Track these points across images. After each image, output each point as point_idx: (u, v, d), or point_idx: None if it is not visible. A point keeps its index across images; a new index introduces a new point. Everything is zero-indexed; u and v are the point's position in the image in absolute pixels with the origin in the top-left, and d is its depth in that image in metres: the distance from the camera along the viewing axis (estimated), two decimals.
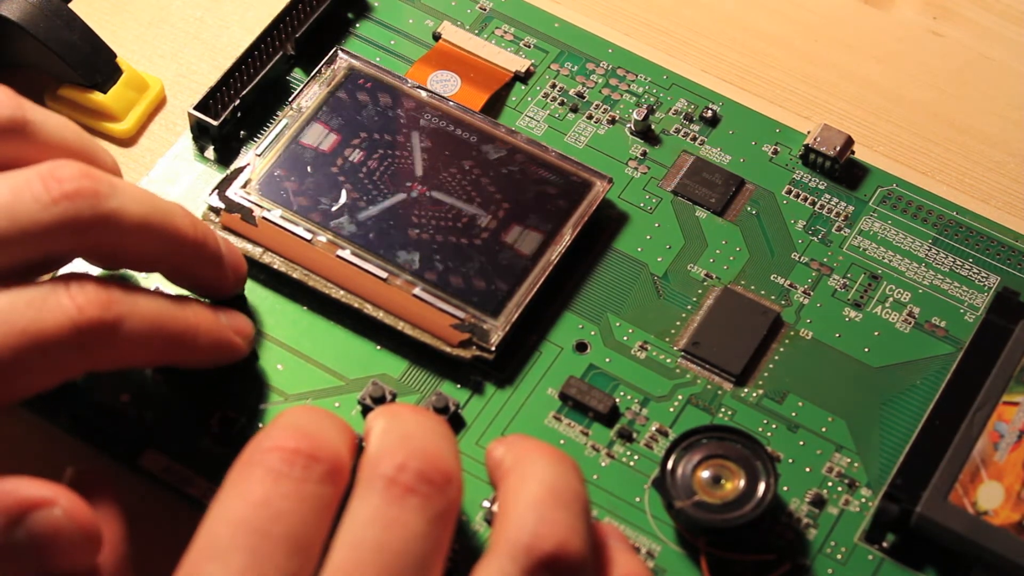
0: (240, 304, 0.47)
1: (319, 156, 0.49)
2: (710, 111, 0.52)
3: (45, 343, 0.39)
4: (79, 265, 0.47)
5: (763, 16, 0.56)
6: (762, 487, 0.43)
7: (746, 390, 0.47)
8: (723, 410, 0.46)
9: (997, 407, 0.45)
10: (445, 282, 0.47)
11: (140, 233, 0.42)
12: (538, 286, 0.47)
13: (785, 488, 0.45)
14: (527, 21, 0.54)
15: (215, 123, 0.50)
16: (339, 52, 0.52)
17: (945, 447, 0.44)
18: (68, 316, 0.40)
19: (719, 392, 0.47)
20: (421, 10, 0.54)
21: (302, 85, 0.51)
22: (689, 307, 0.48)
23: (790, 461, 0.46)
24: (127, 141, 0.52)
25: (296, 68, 0.53)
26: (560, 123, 0.52)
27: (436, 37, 0.53)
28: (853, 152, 0.51)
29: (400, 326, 0.47)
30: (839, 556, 0.44)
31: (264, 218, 0.48)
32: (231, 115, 0.50)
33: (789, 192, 0.51)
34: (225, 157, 0.51)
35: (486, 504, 0.44)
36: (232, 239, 0.48)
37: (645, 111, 0.51)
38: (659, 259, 0.49)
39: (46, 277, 0.42)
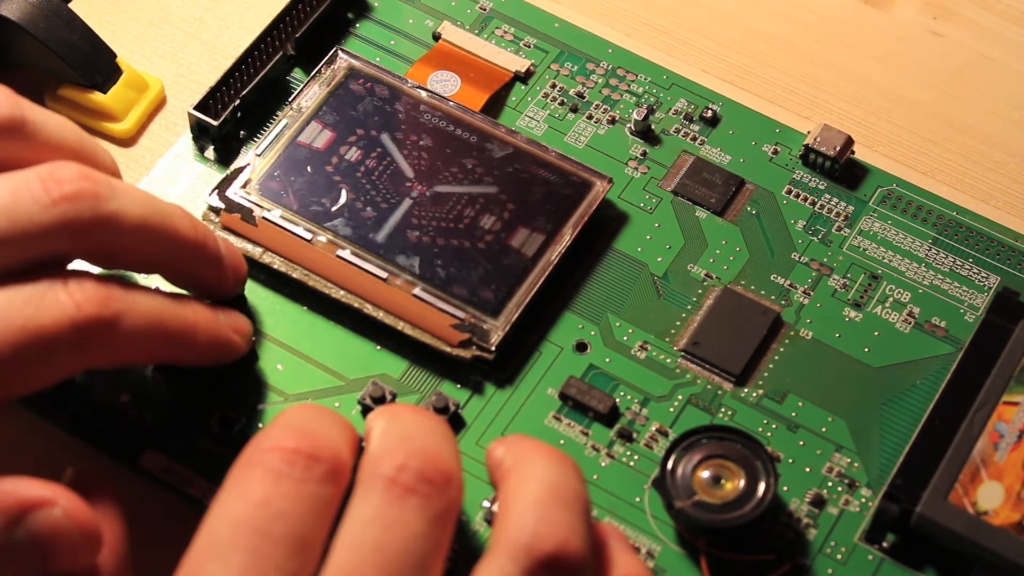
0: (240, 304, 0.47)
1: (319, 156, 0.49)
2: (710, 111, 0.52)
3: (44, 340, 0.39)
4: (78, 263, 0.47)
5: (763, 16, 0.56)
6: (762, 487, 0.43)
7: (746, 390, 0.47)
8: (723, 410, 0.46)
9: (997, 407, 0.45)
10: (445, 282, 0.47)
11: (140, 235, 0.42)
12: (538, 286, 0.47)
13: (785, 488, 0.45)
14: (527, 21, 0.54)
15: (215, 123, 0.50)
16: (339, 52, 0.52)
17: (945, 447, 0.44)
18: (66, 313, 0.40)
19: (719, 392, 0.47)
20: (421, 10, 0.54)
21: (302, 85, 0.51)
22: (689, 307, 0.48)
23: (790, 461, 0.46)
24: (127, 141, 0.52)
25: (296, 68, 0.53)
26: (560, 123, 0.52)
27: (436, 37, 0.53)
28: (853, 152, 0.51)
29: (400, 326, 0.47)
30: (839, 556, 0.44)
31: (264, 218, 0.48)
32: (231, 115, 0.50)
33: (789, 192, 0.51)
34: (225, 157, 0.51)
35: (486, 504, 0.44)
36: (232, 239, 0.48)
37: (645, 111, 0.51)
38: (659, 259, 0.49)
39: None
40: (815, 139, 0.51)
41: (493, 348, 0.46)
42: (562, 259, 0.48)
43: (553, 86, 0.53)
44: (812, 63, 0.55)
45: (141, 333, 0.41)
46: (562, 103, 0.52)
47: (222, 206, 0.48)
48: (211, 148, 0.51)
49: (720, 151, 0.51)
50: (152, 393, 0.46)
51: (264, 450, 0.38)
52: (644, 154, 0.51)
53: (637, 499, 0.45)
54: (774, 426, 0.46)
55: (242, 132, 0.51)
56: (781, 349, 0.48)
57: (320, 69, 0.51)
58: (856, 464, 0.46)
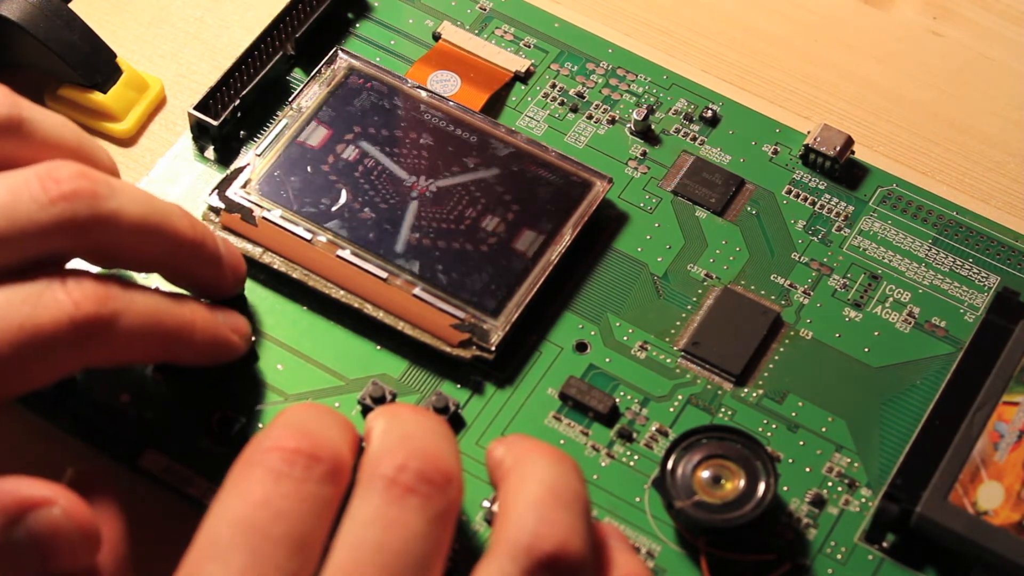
0: (240, 304, 0.47)
1: (319, 156, 0.49)
2: (710, 111, 0.52)
3: (42, 339, 0.39)
4: (76, 262, 0.47)
5: (763, 16, 0.56)
6: (762, 487, 0.43)
7: (746, 390, 0.47)
8: (723, 410, 0.46)
9: (997, 407, 0.45)
10: (445, 282, 0.47)
11: (138, 234, 0.42)
12: (538, 286, 0.47)
13: (785, 488, 0.45)
14: (527, 21, 0.54)
15: (215, 123, 0.50)
16: (339, 52, 0.52)
17: (945, 447, 0.44)
18: (65, 312, 0.40)
19: (719, 392, 0.47)
20: (421, 10, 0.54)
21: (302, 85, 0.51)
22: (689, 307, 0.48)
23: (790, 461, 0.46)
24: (127, 141, 0.52)
25: (296, 68, 0.53)
26: (560, 123, 0.52)
27: (436, 37, 0.53)
28: (853, 152, 0.51)
29: (400, 326, 0.47)
30: (839, 556, 0.44)
31: (264, 218, 0.48)
32: (231, 115, 0.50)
33: (789, 192, 0.51)
34: (225, 157, 0.51)
35: (486, 504, 0.44)
36: (232, 239, 0.48)
37: (645, 111, 0.51)
38: (659, 259, 0.49)
39: None
40: (815, 139, 0.51)
41: (493, 348, 0.46)
42: (562, 259, 0.48)
43: (553, 86, 0.53)
44: (812, 63, 0.55)
45: (139, 332, 0.41)
46: (562, 103, 0.52)
47: (222, 206, 0.48)
48: (211, 148, 0.51)
49: (720, 151, 0.51)
50: (152, 393, 0.46)
51: (264, 450, 0.38)
52: (644, 154, 0.51)
53: (637, 499, 0.45)
54: (774, 426, 0.46)
55: (242, 132, 0.51)
56: (781, 349, 0.48)
57: (320, 69, 0.51)
58: (856, 464, 0.46)
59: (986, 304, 0.48)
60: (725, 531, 0.43)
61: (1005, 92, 0.54)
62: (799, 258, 0.49)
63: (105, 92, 0.51)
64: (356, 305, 0.47)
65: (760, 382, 0.47)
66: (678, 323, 0.48)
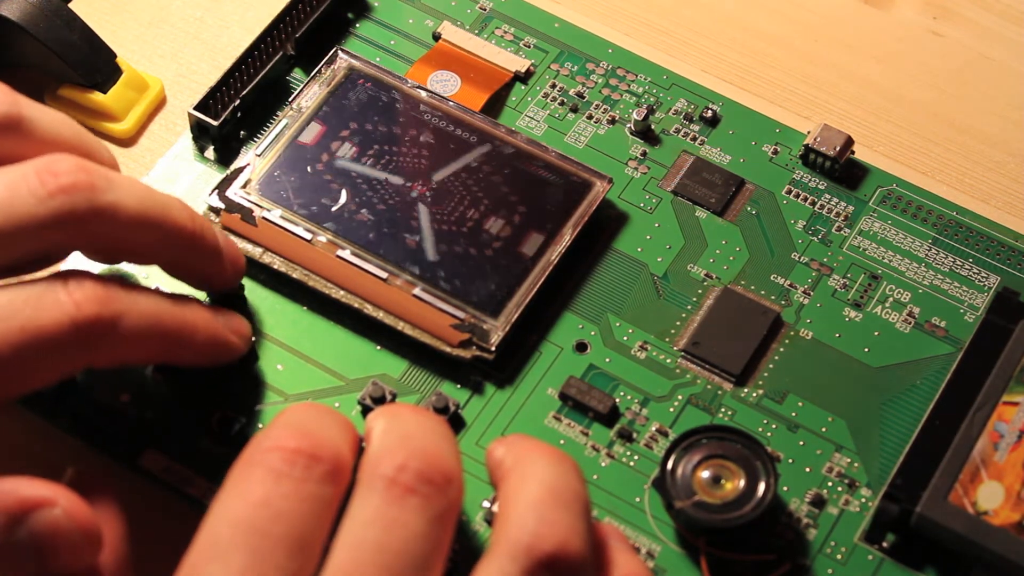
0: (240, 304, 0.47)
1: (319, 156, 0.49)
2: (710, 111, 0.52)
3: (44, 340, 0.39)
4: (77, 262, 0.47)
5: (763, 16, 0.56)
6: (762, 487, 0.43)
7: (746, 390, 0.47)
8: (723, 410, 0.46)
9: (997, 407, 0.45)
10: (445, 282, 0.47)
11: (137, 226, 0.42)
12: (538, 286, 0.47)
13: (785, 488, 0.45)
14: (527, 21, 0.54)
15: (215, 123, 0.50)
16: (339, 52, 0.52)
17: (945, 447, 0.44)
18: (66, 313, 0.40)
19: (719, 392, 0.47)
20: (421, 10, 0.54)
21: (302, 85, 0.51)
22: (689, 307, 0.48)
23: (790, 461, 0.46)
24: (127, 141, 0.52)
25: (296, 68, 0.53)
26: (560, 123, 0.52)
27: (436, 37, 0.53)
28: (853, 152, 0.51)
29: (400, 326, 0.47)
30: (839, 556, 0.44)
31: (264, 218, 0.48)
32: (231, 115, 0.50)
33: (789, 192, 0.51)
34: (225, 157, 0.51)
35: (486, 504, 0.44)
36: (232, 239, 0.48)
37: (645, 111, 0.51)
38: (659, 259, 0.49)
39: (44, 272, 0.42)
40: (815, 139, 0.51)
41: (493, 348, 0.46)
42: (562, 259, 0.48)
43: (553, 86, 0.53)
44: (812, 63, 0.55)
45: (140, 333, 0.41)
46: (562, 103, 0.52)
47: (222, 206, 0.48)
48: (211, 148, 0.51)
49: (720, 151, 0.51)
50: (152, 393, 0.46)
51: (264, 450, 0.38)
52: (644, 154, 0.51)
53: (637, 499, 0.45)
54: (774, 426, 0.46)
55: (242, 132, 0.51)
56: (781, 349, 0.48)
57: (320, 69, 0.51)
58: (856, 464, 0.46)
59: (986, 304, 0.48)
60: (725, 531, 0.43)
61: (1005, 92, 0.54)
62: (799, 258, 0.49)
63: (105, 92, 0.51)
64: (356, 305, 0.47)
65: (760, 382, 0.47)
66: (678, 323, 0.48)
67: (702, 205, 0.50)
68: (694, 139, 0.52)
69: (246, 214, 0.48)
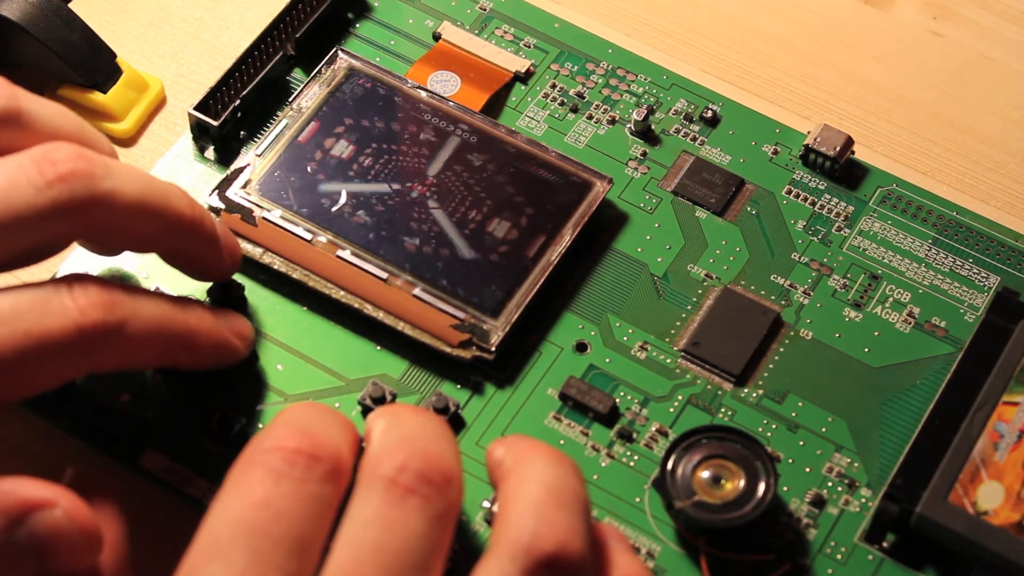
0: (240, 304, 0.47)
1: (319, 156, 0.49)
2: (710, 111, 0.52)
3: (48, 345, 0.39)
4: (80, 265, 0.47)
5: (763, 16, 0.56)
6: (762, 487, 0.43)
7: (746, 390, 0.47)
8: (723, 410, 0.46)
9: (997, 407, 0.45)
10: (445, 282, 0.47)
11: (137, 213, 0.42)
12: (538, 286, 0.47)
13: (785, 488, 0.45)
14: (527, 21, 0.54)
15: (215, 123, 0.50)
16: (339, 52, 0.52)
17: (945, 447, 0.44)
18: (71, 318, 0.40)
19: (719, 392, 0.47)
20: (421, 10, 0.54)
21: (302, 85, 0.51)
22: (689, 307, 0.48)
23: (790, 461, 0.46)
24: (127, 141, 0.52)
25: (296, 68, 0.53)
26: (560, 123, 0.52)
27: (436, 37, 0.53)
28: (853, 152, 0.51)
29: (400, 326, 0.47)
30: (839, 556, 0.44)
31: (264, 218, 0.48)
32: (231, 115, 0.50)
33: (789, 192, 0.51)
34: (225, 157, 0.51)
35: (486, 504, 0.44)
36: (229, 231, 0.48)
37: (645, 111, 0.51)
38: (659, 259, 0.49)
39: (42, 267, 0.42)
40: (815, 139, 0.51)
41: (493, 348, 0.46)
42: (562, 259, 0.48)
43: (553, 86, 0.53)
44: (812, 63, 0.55)
45: (145, 338, 0.41)
46: (562, 103, 0.52)
47: (222, 206, 0.48)
48: (211, 148, 0.51)
49: (720, 151, 0.51)
50: (152, 393, 0.46)
51: (265, 450, 0.38)
52: (644, 154, 0.51)
53: (637, 499, 0.45)
54: (774, 426, 0.46)
55: (242, 132, 0.51)
56: (781, 349, 0.48)
57: (320, 69, 0.51)
58: (856, 464, 0.46)
59: (986, 304, 0.48)
60: (725, 531, 0.43)
61: (1005, 92, 0.54)
62: (799, 258, 0.49)
63: (105, 92, 0.51)
64: (356, 305, 0.47)
65: (760, 382, 0.47)
66: (678, 323, 0.48)
67: (702, 205, 0.50)
68: (694, 139, 0.52)
69: (246, 214, 0.48)
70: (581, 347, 0.47)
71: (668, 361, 0.47)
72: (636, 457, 0.46)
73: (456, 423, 0.46)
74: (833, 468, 0.45)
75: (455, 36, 0.53)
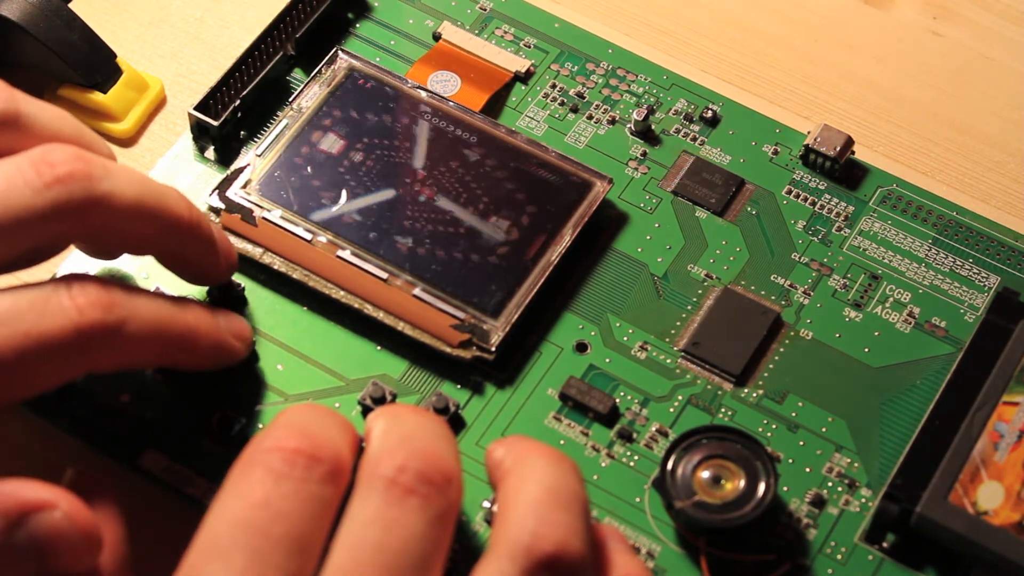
0: (240, 305, 0.47)
1: (319, 156, 0.49)
2: (710, 111, 0.52)
3: (47, 345, 0.39)
4: (79, 266, 0.47)
5: (763, 16, 0.56)
6: (762, 487, 0.43)
7: (746, 390, 0.47)
8: (723, 410, 0.46)
9: (997, 407, 0.45)
10: (445, 282, 0.47)
11: (135, 215, 0.42)
12: (538, 286, 0.47)
13: (785, 488, 0.45)
14: (527, 21, 0.54)
15: (215, 123, 0.50)
16: (339, 52, 0.52)
17: (945, 447, 0.44)
18: (70, 319, 0.40)
19: (719, 392, 0.47)
20: (421, 10, 0.54)
21: (302, 85, 0.51)
22: (689, 307, 0.48)
23: (790, 461, 0.46)
24: (127, 141, 0.52)
25: (296, 68, 0.53)
26: (560, 123, 0.52)
27: (436, 37, 0.53)
28: (853, 152, 0.51)
29: (400, 326, 0.47)
30: (839, 556, 0.44)
31: (264, 218, 0.48)
32: (231, 115, 0.50)
33: (789, 192, 0.51)
34: (225, 157, 0.51)
35: (486, 504, 0.44)
36: (232, 239, 0.48)
37: (645, 111, 0.51)
38: (659, 259, 0.49)
39: (41, 268, 0.42)
40: (815, 139, 0.51)
41: (493, 348, 0.46)
42: (562, 259, 0.48)
43: (553, 86, 0.53)
44: (812, 63, 0.55)
45: (143, 338, 0.41)
46: (562, 103, 0.52)
47: (222, 206, 0.48)
48: (211, 148, 0.51)
49: (720, 151, 0.51)
50: (152, 393, 0.46)
51: (264, 450, 0.38)
52: (644, 154, 0.51)
53: (637, 499, 0.45)
54: (774, 426, 0.46)
55: (242, 132, 0.51)
56: (781, 349, 0.48)
57: (320, 69, 0.51)
58: (856, 464, 0.46)
59: (986, 304, 0.48)
60: (725, 531, 0.43)
61: (1005, 92, 0.54)
62: (799, 258, 0.49)
63: (105, 92, 0.51)
64: (356, 305, 0.47)
65: (760, 382, 0.47)
66: (678, 323, 0.48)
67: (702, 205, 0.50)
68: (694, 139, 0.52)
69: (246, 214, 0.48)
70: (581, 347, 0.47)
71: (668, 361, 0.47)
72: (636, 457, 0.46)
73: (456, 423, 0.46)
74: (833, 468, 0.45)
75: (455, 36, 0.53)
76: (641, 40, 0.55)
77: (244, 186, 0.49)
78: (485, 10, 0.54)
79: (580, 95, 0.52)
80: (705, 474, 0.44)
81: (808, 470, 0.45)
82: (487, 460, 0.41)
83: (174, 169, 0.51)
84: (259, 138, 0.50)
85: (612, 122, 0.52)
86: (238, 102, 0.50)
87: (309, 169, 0.49)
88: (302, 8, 0.52)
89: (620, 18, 0.55)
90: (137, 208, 0.42)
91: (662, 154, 0.51)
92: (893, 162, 0.52)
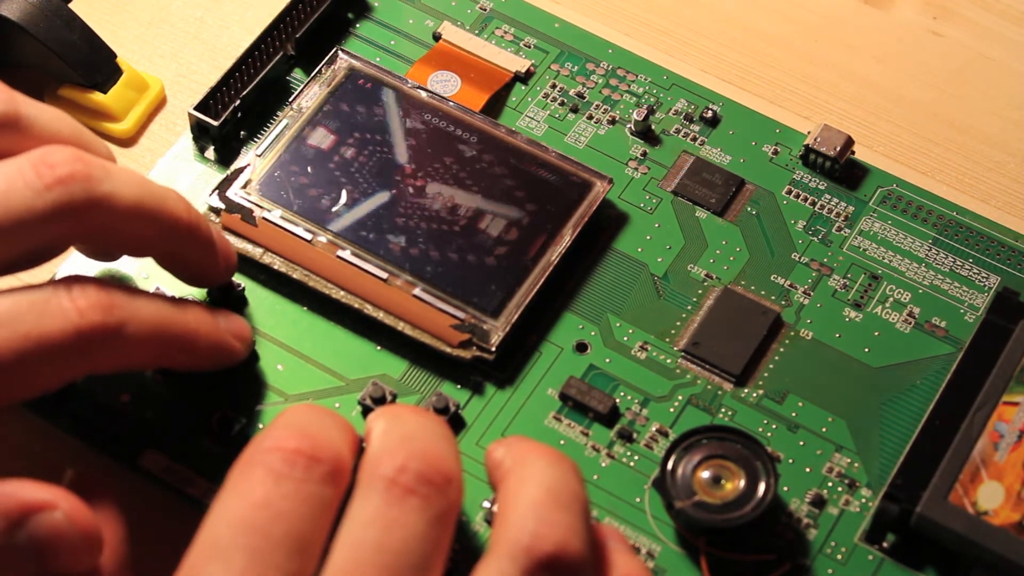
0: (240, 305, 0.47)
1: (319, 156, 0.49)
2: (710, 111, 0.52)
3: (48, 347, 0.39)
4: (79, 268, 0.47)
5: (763, 16, 0.56)
6: (762, 487, 0.43)
7: (746, 390, 0.47)
8: (723, 410, 0.46)
9: (997, 407, 0.45)
10: (445, 282, 0.47)
11: (135, 216, 0.42)
12: (538, 286, 0.47)
13: (785, 488, 0.45)
14: (527, 21, 0.54)
15: (215, 123, 0.50)
16: (339, 52, 0.52)
17: (945, 447, 0.44)
18: (70, 320, 0.40)
19: (719, 392, 0.47)
20: (421, 10, 0.54)
21: (302, 85, 0.51)
22: (689, 307, 0.48)
23: (790, 461, 0.46)
24: (127, 141, 0.52)
25: (296, 68, 0.53)
26: (560, 123, 0.52)
27: (436, 37, 0.53)
28: (853, 152, 0.51)
29: (400, 326, 0.47)
30: (839, 556, 0.44)
31: (264, 218, 0.48)
32: (231, 115, 0.50)
33: (789, 192, 0.51)
34: (225, 157, 0.51)
35: (486, 504, 0.44)
36: (232, 239, 0.48)
37: (645, 111, 0.51)
38: (659, 259, 0.49)
39: (41, 269, 0.42)
40: (815, 139, 0.51)
41: (493, 348, 0.46)
42: (562, 259, 0.48)
43: (553, 86, 0.53)
44: (812, 63, 0.55)
45: (144, 340, 0.41)
46: (562, 103, 0.52)
47: (222, 206, 0.48)
48: (211, 148, 0.51)
49: (720, 151, 0.51)
50: (152, 393, 0.46)
51: (265, 450, 0.38)
52: (644, 154, 0.51)
53: (637, 499, 0.45)
54: (774, 426, 0.46)
55: (242, 132, 0.51)
56: (781, 349, 0.48)
57: (320, 69, 0.51)
58: (856, 464, 0.46)
59: (986, 304, 0.48)
60: (725, 531, 0.43)
61: (1005, 92, 0.54)
62: (799, 258, 0.49)
63: (105, 92, 0.51)
64: (356, 305, 0.47)
65: (760, 382, 0.47)
66: (678, 323, 0.48)
67: (702, 205, 0.50)
68: (694, 139, 0.52)
69: (246, 214, 0.48)
70: (581, 347, 0.48)
71: (668, 361, 0.47)
72: (636, 457, 0.46)
73: (456, 423, 0.46)
74: (833, 468, 0.46)
75: (455, 36, 0.53)
76: (641, 40, 0.55)
77: (244, 186, 0.49)
78: (485, 10, 0.54)
79: (580, 95, 0.52)
80: (705, 474, 0.44)
81: (808, 470, 0.45)
82: (487, 460, 0.41)
83: (174, 169, 0.51)
84: (259, 138, 0.50)
85: (612, 122, 0.52)
86: (238, 102, 0.50)
87: (309, 169, 0.49)
88: (302, 8, 0.52)
89: (620, 18, 0.55)
90: (137, 209, 0.42)
91: (662, 154, 0.51)
92: (893, 162, 0.52)
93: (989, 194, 0.52)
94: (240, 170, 0.49)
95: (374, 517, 0.37)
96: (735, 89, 0.54)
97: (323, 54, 0.52)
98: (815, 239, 0.50)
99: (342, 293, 0.47)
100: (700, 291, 0.49)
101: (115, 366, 0.41)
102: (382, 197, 0.49)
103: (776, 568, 0.44)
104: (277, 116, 0.51)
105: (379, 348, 0.47)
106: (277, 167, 0.49)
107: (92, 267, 0.48)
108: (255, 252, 0.48)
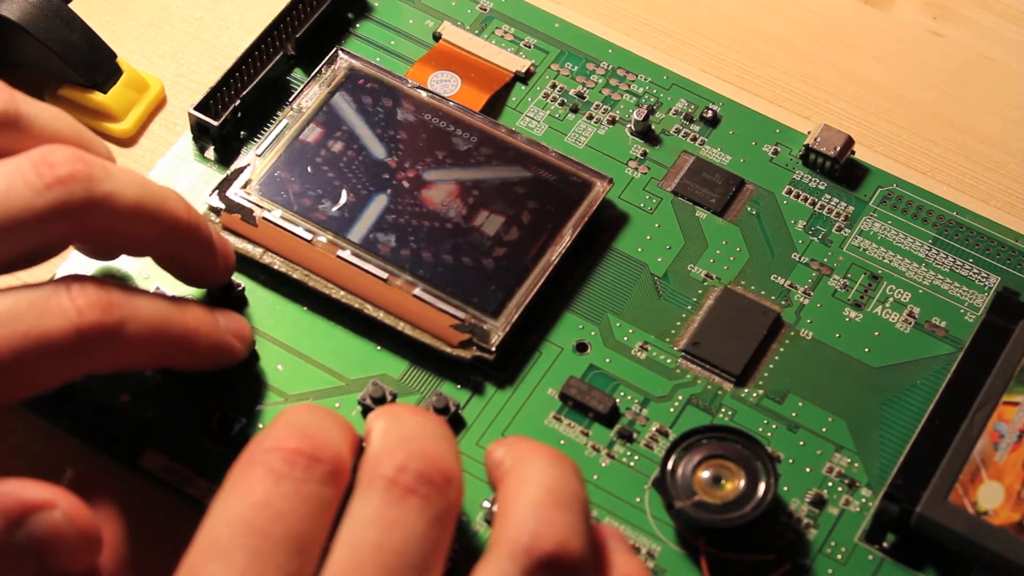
0: (240, 305, 0.47)
1: (319, 156, 0.49)
2: (710, 111, 0.52)
3: (47, 346, 0.39)
4: (79, 267, 0.47)
5: (763, 16, 0.56)
6: (762, 487, 0.43)
7: (746, 390, 0.47)
8: (723, 410, 0.46)
9: (997, 407, 0.45)
10: (445, 282, 0.47)
11: (134, 216, 0.42)
12: (538, 286, 0.47)
13: (785, 488, 0.45)
14: (527, 21, 0.54)
15: (215, 123, 0.50)
16: (339, 52, 0.52)
17: (945, 447, 0.44)
18: (69, 319, 0.40)
19: (719, 392, 0.47)
20: (421, 10, 0.54)
21: (302, 85, 0.51)
22: (689, 307, 0.48)
23: (790, 461, 0.46)
24: (127, 141, 0.52)
25: (296, 68, 0.53)
26: (560, 123, 0.52)
27: (436, 37, 0.53)
28: (853, 152, 0.51)
29: (400, 326, 0.47)
30: (839, 556, 0.44)
31: (264, 218, 0.48)
32: (231, 115, 0.50)
33: (789, 192, 0.51)
34: (225, 157, 0.51)
35: (486, 504, 0.44)
36: (232, 239, 0.48)
37: (645, 111, 0.51)
38: (659, 259, 0.49)
39: (40, 269, 0.42)
40: (815, 139, 0.51)
41: (493, 348, 0.46)
42: (562, 259, 0.48)
43: (553, 86, 0.53)
44: (812, 63, 0.55)
45: (143, 339, 0.41)
46: (562, 103, 0.52)
47: (222, 206, 0.48)
48: (211, 148, 0.51)
49: (720, 151, 0.51)
50: (152, 393, 0.46)
51: (265, 450, 0.38)
52: (644, 154, 0.51)
53: (637, 499, 0.45)
54: (774, 426, 0.46)
55: (242, 132, 0.51)
56: (781, 349, 0.48)
57: (320, 69, 0.51)
58: (856, 464, 0.46)
59: (986, 304, 0.48)
60: (725, 531, 0.43)
61: (1005, 92, 0.54)
62: (799, 258, 0.49)
63: (105, 92, 0.51)
64: (356, 305, 0.47)
65: (760, 382, 0.47)
66: (678, 323, 0.48)
67: (702, 205, 0.50)
68: (694, 139, 0.52)
69: (246, 214, 0.48)
70: (581, 347, 0.48)
71: (668, 361, 0.47)
72: (636, 457, 0.46)
73: (456, 423, 0.46)
74: (833, 468, 0.45)
75: (455, 36, 0.53)
76: (641, 40, 0.55)
77: (244, 186, 0.49)
78: (485, 10, 0.54)
79: (580, 95, 0.52)
80: (705, 474, 0.44)
81: (808, 470, 0.45)
82: (487, 460, 0.41)
83: (174, 169, 0.51)
84: (259, 138, 0.50)
85: (612, 122, 0.52)
86: (238, 102, 0.50)
87: (309, 169, 0.49)
88: (302, 8, 0.52)
89: (620, 18, 0.55)
90: (137, 209, 0.42)
91: (662, 154, 0.51)
92: (893, 162, 0.52)
93: (989, 194, 0.52)
94: (240, 170, 0.49)
95: (374, 517, 0.37)
96: (735, 89, 0.54)
97: (323, 54, 0.52)
98: (815, 239, 0.50)
99: (342, 293, 0.47)
100: (700, 291, 0.49)
101: (115, 366, 0.41)
102: (382, 197, 0.49)
103: (776, 568, 0.44)
104: (277, 116, 0.51)
105: (379, 348, 0.47)
106: (277, 167, 0.49)
107: (92, 267, 0.48)
108: (255, 252, 0.48)
